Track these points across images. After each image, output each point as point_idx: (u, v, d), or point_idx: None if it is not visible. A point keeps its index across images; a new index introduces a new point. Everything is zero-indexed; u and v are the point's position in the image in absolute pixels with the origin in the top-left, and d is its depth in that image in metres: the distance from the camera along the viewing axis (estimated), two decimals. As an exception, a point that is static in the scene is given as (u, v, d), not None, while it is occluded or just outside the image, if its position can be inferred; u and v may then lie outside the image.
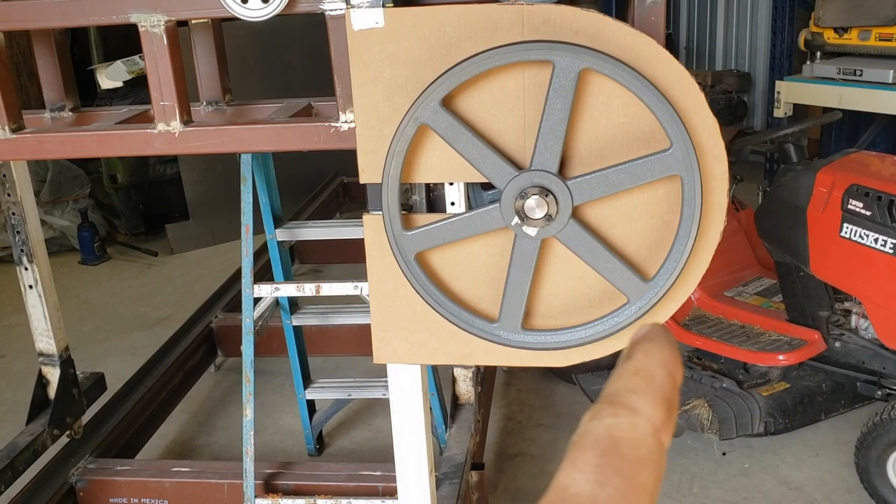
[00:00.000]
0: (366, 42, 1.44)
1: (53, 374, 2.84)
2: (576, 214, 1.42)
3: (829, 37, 4.62)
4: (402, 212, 1.48)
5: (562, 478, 0.36)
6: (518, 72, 1.41)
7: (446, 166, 1.47)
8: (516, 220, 1.42)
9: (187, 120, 1.71)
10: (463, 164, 1.44)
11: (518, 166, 1.42)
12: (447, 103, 1.40)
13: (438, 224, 1.48)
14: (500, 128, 1.44)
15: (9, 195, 2.65)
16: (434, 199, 1.56)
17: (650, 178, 1.38)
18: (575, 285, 1.51)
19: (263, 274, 3.62)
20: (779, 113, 4.88)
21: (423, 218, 1.53)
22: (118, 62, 5.24)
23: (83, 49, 5.63)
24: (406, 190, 1.54)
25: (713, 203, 1.42)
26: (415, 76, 1.44)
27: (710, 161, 1.39)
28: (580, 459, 0.36)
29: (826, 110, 4.53)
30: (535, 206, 1.40)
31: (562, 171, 1.41)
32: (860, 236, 2.75)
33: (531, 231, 1.43)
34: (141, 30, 1.64)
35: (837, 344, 3.00)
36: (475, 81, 1.41)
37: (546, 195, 1.40)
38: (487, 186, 1.54)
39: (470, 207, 1.55)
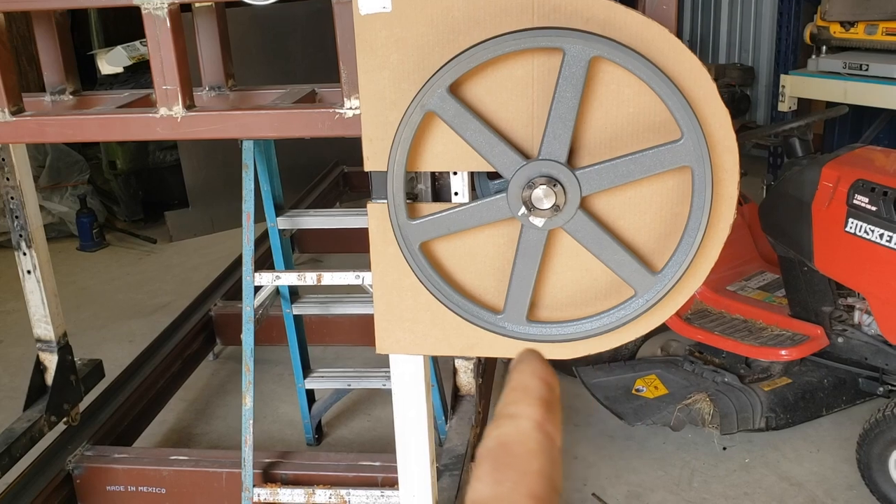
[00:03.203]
0: (372, 26, 1.42)
1: (51, 361, 2.82)
2: (584, 205, 1.40)
3: (836, 31, 4.59)
4: (408, 201, 1.46)
5: (469, 494, 0.40)
6: (527, 59, 1.38)
7: (453, 154, 1.45)
8: (523, 210, 1.40)
9: (190, 105, 1.69)
10: (470, 153, 1.42)
11: (526, 155, 1.40)
12: (455, 90, 1.38)
13: (444, 213, 1.46)
14: (508, 116, 1.42)
15: (8, 179, 2.62)
16: (440, 188, 1.54)
17: (660, 168, 1.36)
18: (581, 277, 1.49)
19: (263, 262, 3.60)
20: (783, 107, 4.86)
21: (428, 207, 1.51)
22: (118, 47, 5.21)
23: (83, 34, 5.59)
24: (411, 178, 1.51)
25: (723, 195, 1.40)
26: (422, 62, 1.41)
27: (721, 152, 1.37)
28: (479, 471, 0.41)
29: (830, 105, 4.51)
30: (543, 197, 1.38)
31: (570, 161, 1.39)
32: (865, 231, 2.73)
33: (538, 221, 1.40)
34: (144, 12, 1.62)
35: (840, 340, 2.98)
36: (483, 68, 1.38)
37: (554, 185, 1.38)
38: (494, 176, 1.51)
39: (476, 197, 1.53)
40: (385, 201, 1.46)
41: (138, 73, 5.26)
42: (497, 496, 0.39)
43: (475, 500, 0.40)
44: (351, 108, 1.62)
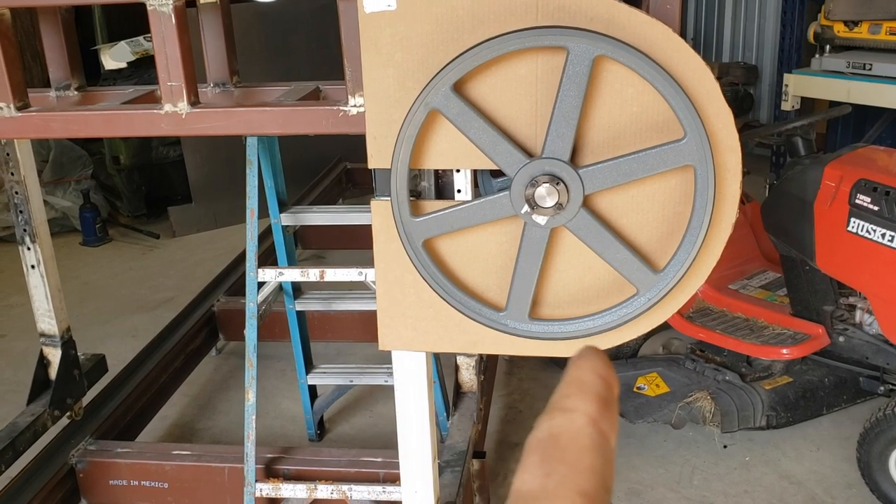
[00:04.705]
0: (377, 25, 1.42)
1: (55, 355, 2.83)
2: (586, 203, 1.41)
3: (839, 30, 4.59)
4: (411, 198, 1.46)
5: (516, 484, 0.40)
6: (531, 58, 1.39)
7: (456, 152, 1.46)
8: (526, 208, 1.40)
9: (194, 101, 1.69)
10: (473, 151, 1.42)
11: (529, 154, 1.40)
12: (459, 88, 1.39)
13: (447, 211, 1.47)
14: (511, 114, 1.42)
15: (12, 174, 2.63)
16: (443, 186, 1.55)
17: (663, 167, 1.36)
18: (584, 275, 1.50)
19: (266, 258, 3.61)
20: (786, 106, 4.85)
21: (431, 204, 1.52)
22: (122, 43, 5.22)
23: (87, 29, 5.60)
24: (415, 176, 1.52)
25: (726, 194, 1.40)
26: (426, 60, 1.42)
27: (724, 151, 1.38)
28: (527, 462, 0.40)
29: (834, 104, 4.51)
30: (546, 195, 1.38)
31: (573, 160, 1.40)
32: (867, 231, 2.74)
33: (541, 220, 1.41)
34: (149, 9, 1.62)
35: (841, 339, 2.99)
36: (487, 67, 1.39)
37: (557, 183, 1.38)
38: (497, 174, 1.52)
39: (479, 195, 1.54)
40: (388, 198, 1.46)
41: (141, 68, 5.28)
42: (545, 489, 0.38)
43: (521, 492, 0.39)
44: (355, 106, 1.62)
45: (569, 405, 0.42)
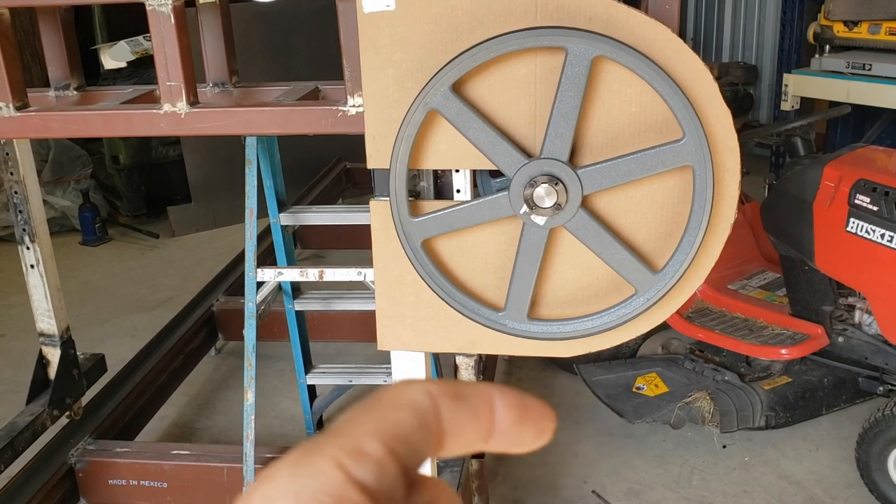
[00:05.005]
0: (376, 25, 1.42)
1: (54, 355, 2.83)
2: (585, 204, 1.41)
3: (839, 30, 4.59)
4: (410, 198, 1.46)
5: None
6: (530, 58, 1.39)
7: (455, 153, 1.46)
8: (525, 208, 1.40)
9: (193, 101, 1.69)
10: (472, 151, 1.42)
11: (528, 154, 1.40)
12: (457, 89, 1.39)
13: (446, 211, 1.47)
14: (510, 114, 1.42)
15: (12, 174, 2.63)
16: (442, 186, 1.55)
17: (661, 168, 1.36)
18: (582, 275, 1.50)
19: (265, 258, 3.61)
20: (786, 106, 4.86)
21: (430, 205, 1.52)
22: (122, 42, 5.22)
23: (87, 29, 5.60)
24: (414, 176, 1.52)
25: (724, 194, 1.40)
26: (425, 60, 1.42)
27: (722, 152, 1.38)
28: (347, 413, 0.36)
29: (833, 104, 4.51)
30: (545, 195, 1.38)
31: (572, 160, 1.40)
32: (866, 231, 2.74)
33: (539, 220, 1.41)
34: (148, 9, 1.62)
35: (840, 339, 2.99)
36: (486, 67, 1.39)
37: (556, 184, 1.38)
38: (496, 174, 1.52)
39: (478, 195, 1.54)
40: (387, 198, 1.46)
41: (141, 67, 5.28)
42: (338, 429, 0.34)
43: (325, 432, 0.35)
44: (354, 106, 1.62)
45: (414, 383, 0.37)
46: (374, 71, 1.45)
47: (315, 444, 0.33)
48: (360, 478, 0.32)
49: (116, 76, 5.39)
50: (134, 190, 5.78)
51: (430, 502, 0.37)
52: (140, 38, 5.21)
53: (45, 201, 4.00)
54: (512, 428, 0.38)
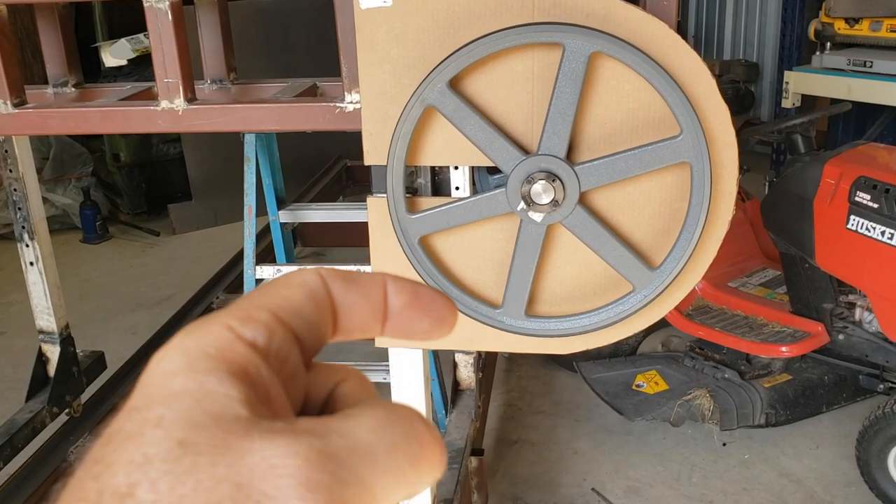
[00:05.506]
0: (373, 21, 1.42)
1: (53, 352, 2.83)
2: (583, 200, 1.41)
3: (840, 27, 4.58)
4: (407, 195, 1.46)
5: None
6: (527, 54, 1.38)
7: (452, 149, 1.45)
8: (522, 205, 1.40)
9: (191, 98, 1.69)
10: (469, 148, 1.42)
11: (525, 150, 1.40)
12: (455, 85, 1.38)
13: (443, 208, 1.46)
14: (507, 111, 1.42)
15: (10, 171, 2.63)
16: (439, 183, 1.55)
17: (659, 164, 1.36)
18: (580, 272, 1.50)
19: (265, 255, 3.60)
20: (787, 103, 4.85)
21: (427, 201, 1.51)
22: (122, 40, 5.21)
23: (87, 26, 5.60)
24: (411, 173, 1.52)
25: (722, 191, 1.40)
26: (422, 57, 1.42)
27: (720, 148, 1.37)
28: None
29: (834, 101, 4.50)
30: (542, 192, 1.38)
31: (569, 157, 1.39)
32: (867, 229, 2.73)
33: (537, 217, 1.41)
34: (146, 5, 1.62)
35: (841, 337, 2.98)
36: (483, 63, 1.38)
37: (553, 180, 1.38)
38: (493, 171, 1.52)
39: (475, 191, 1.53)
40: (385, 195, 1.46)
41: (142, 65, 5.27)
42: (237, 305, 0.34)
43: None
44: (352, 103, 1.62)
45: (306, 269, 0.38)
46: (370, 67, 1.44)
47: (208, 316, 0.34)
48: (247, 336, 0.32)
49: (117, 74, 5.38)
50: (135, 187, 5.78)
51: (339, 383, 0.38)
52: (141, 35, 5.19)
53: (45, 199, 4.00)
54: (404, 311, 0.38)
